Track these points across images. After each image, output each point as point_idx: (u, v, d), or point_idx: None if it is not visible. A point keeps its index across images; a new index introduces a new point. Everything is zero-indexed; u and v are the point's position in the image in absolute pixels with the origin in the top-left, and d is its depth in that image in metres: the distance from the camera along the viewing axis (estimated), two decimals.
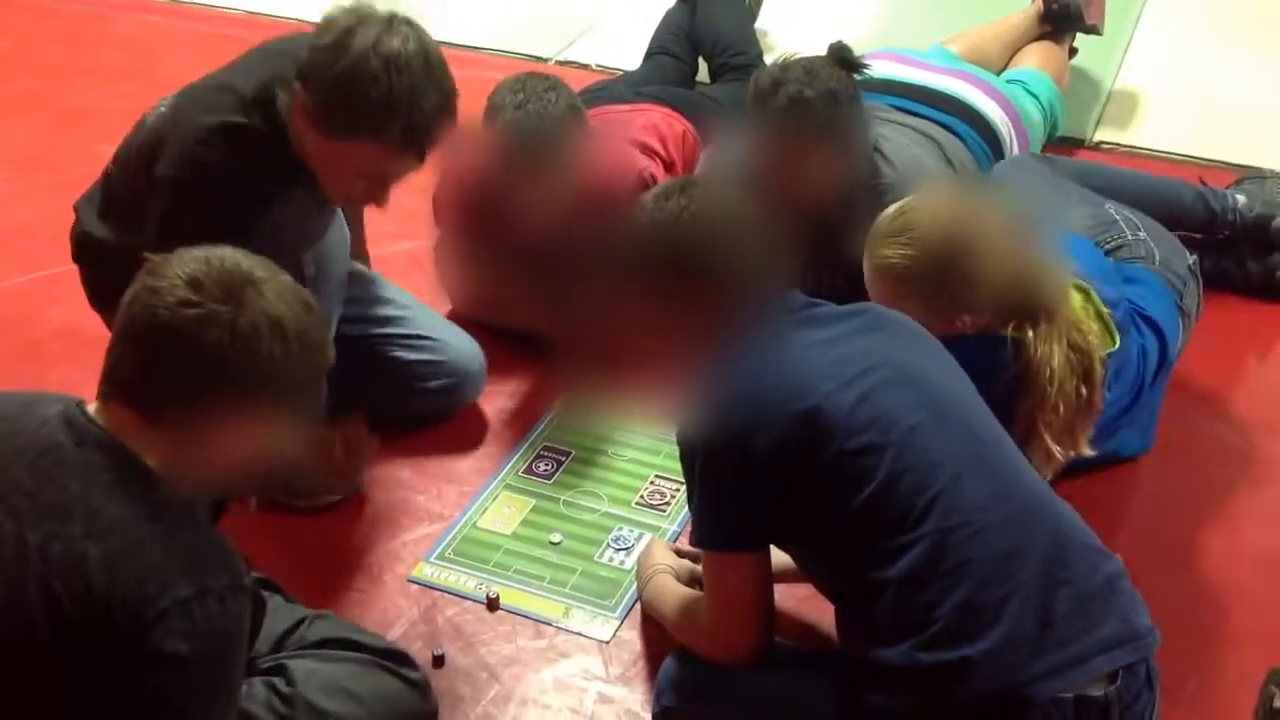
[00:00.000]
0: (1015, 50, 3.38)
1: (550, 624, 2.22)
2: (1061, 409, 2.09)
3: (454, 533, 2.39)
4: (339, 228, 2.46)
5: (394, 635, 2.17)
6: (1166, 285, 2.45)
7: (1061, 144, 3.33)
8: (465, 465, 2.55)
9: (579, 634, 2.20)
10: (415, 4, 4.12)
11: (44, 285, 2.98)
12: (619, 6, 4.14)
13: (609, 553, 2.35)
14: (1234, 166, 3.21)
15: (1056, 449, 2.09)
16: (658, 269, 1.86)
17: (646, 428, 2.60)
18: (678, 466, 1.88)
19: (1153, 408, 2.45)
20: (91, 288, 2.44)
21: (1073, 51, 3.52)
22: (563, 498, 2.47)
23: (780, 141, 2.55)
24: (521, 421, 2.64)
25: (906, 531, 1.69)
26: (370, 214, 2.65)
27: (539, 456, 2.56)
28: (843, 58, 2.59)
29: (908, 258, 2.11)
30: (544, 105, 2.55)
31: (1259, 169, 3.10)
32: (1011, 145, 2.98)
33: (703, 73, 3.55)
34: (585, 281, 2.53)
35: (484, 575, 2.30)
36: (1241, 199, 2.90)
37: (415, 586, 2.29)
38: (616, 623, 2.21)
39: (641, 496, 2.46)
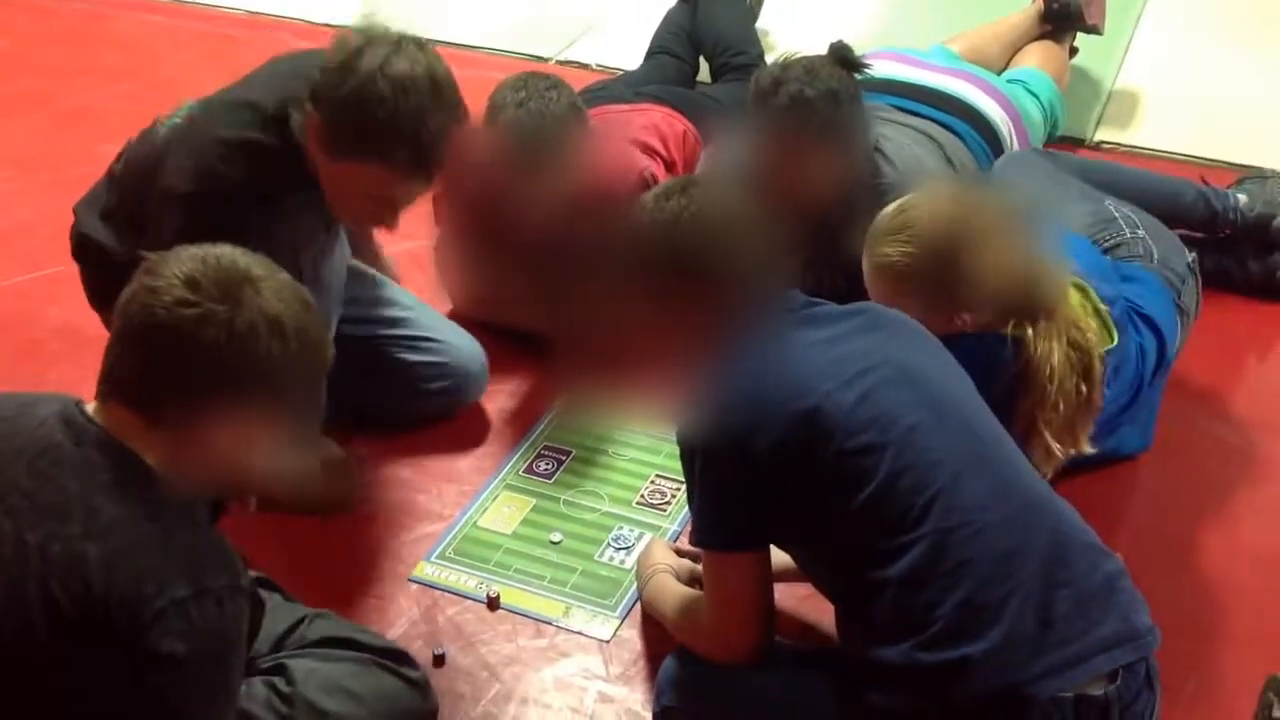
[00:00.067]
0: (1016, 50, 3.39)
1: (551, 623, 2.22)
2: (1062, 407, 2.09)
3: (454, 532, 2.39)
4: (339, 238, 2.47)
5: (394, 634, 2.17)
6: (1165, 283, 2.45)
7: (1062, 143, 3.33)
8: (466, 464, 2.55)
9: (579, 633, 2.20)
10: (416, 4, 4.14)
11: (44, 284, 2.98)
12: (619, 6, 4.13)
13: (609, 552, 2.35)
14: (1234, 166, 3.21)
15: (1057, 447, 2.09)
16: (658, 269, 1.86)
17: (647, 427, 2.60)
18: (678, 466, 1.88)
19: (1152, 406, 2.45)
20: (91, 286, 2.44)
21: (1073, 51, 3.52)
22: (563, 497, 2.47)
23: (781, 141, 2.55)
24: (522, 421, 2.64)
25: (906, 531, 1.69)
26: None
27: (539, 456, 2.56)
28: (843, 57, 2.59)
29: (907, 255, 2.11)
30: (545, 104, 2.55)
31: (1260, 168, 3.10)
32: (1012, 145, 2.98)
33: (704, 73, 3.55)
34: (586, 281, 2.53)
35: (484, 574, 2.30)
36: (1243, 198, 2.90)
37: (416, 586, 2.29)
38: (617, 622, 2.21)
39: (642, 496, 2.46)
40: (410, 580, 2.30)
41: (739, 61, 3.42)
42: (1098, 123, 3.53)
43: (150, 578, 1.46)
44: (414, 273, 2.93)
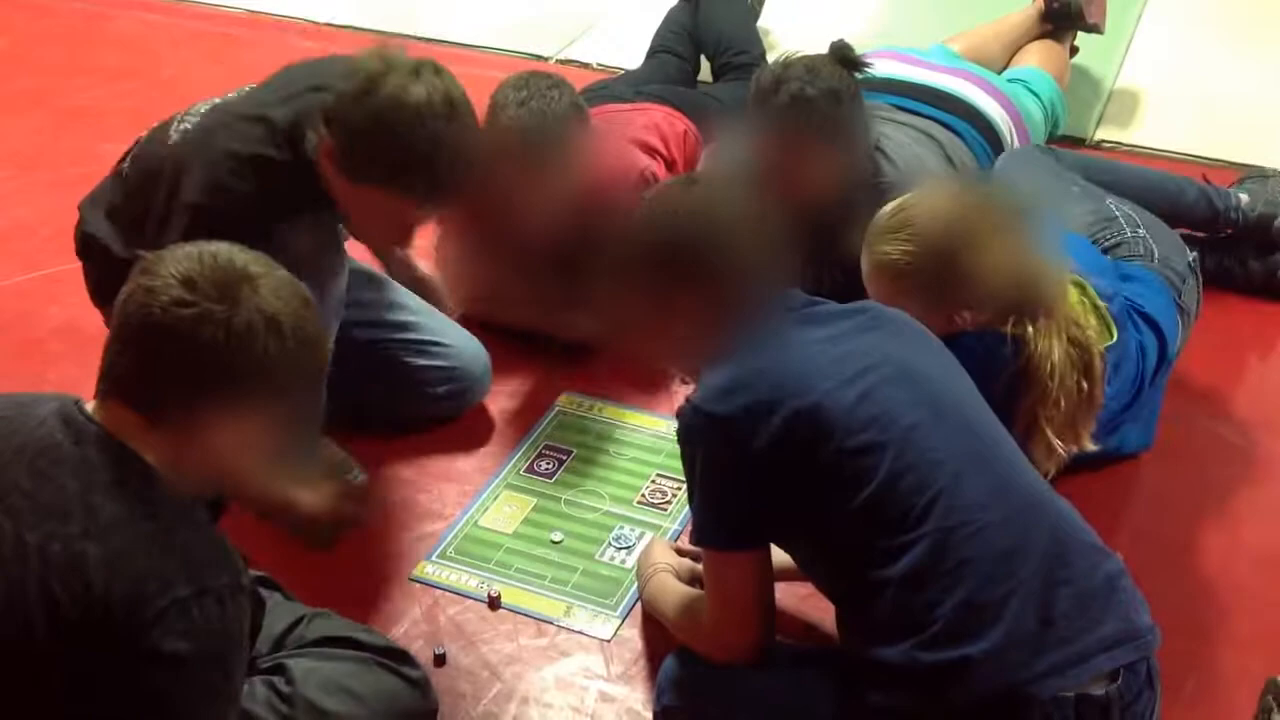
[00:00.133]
0: (1016, 49, 3.38)
1: (551, 622, 2.22)
2: (1063, 404, 2.09)
3: (455, 532, 2.39)
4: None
5: (395, 634, 2.17)
6: (1165, 283, 2.45)
7: (1062, 142, 3.32)
8: (467, 464, 2.55)
9: (580, 632, 2.20)
10: (416, 3, 4.14)
11: (44, 284, 2.98)
12: (620, 5, 4.13)
13: (610, 551, 2.34)
14: (1235, 165, 3.20)
15: (1059, 444, 2.09)
16: (658, 266, 1.86)
17: (647, 426, 2.60)
18: (679, 465, 1.88)
19: (1154, 405, 2.45)
20: (94, 284, 2.43)
21: (1074, 50, 3.52)
22: (564, 496, 2.46)
23: (782, 140, 2.55)
24: (523, 420, 2.64)
25: (907, 530, 1.69)
26: None
27: (540, 455, 2.55)
28: (844, 56, 2.59)
29: (906, 254, 2.11)
30: (547, 103, 2.55)
31: (1260, 167, 3.09)
32: (1012, 144, 2.98)
33: (705, 72, 3.55)
34: (590, 281, 2.53)
35: (485, 574, 2.30)
36: (1244, 197, 2.90)
37: (417, 585, 2.29)
38: (618, 621, 2.21)
39: (643, 495, 2.46)
40: (411, 580, 2.30)
41: (740, 61, 3.42)
42: (1098, 122, 3.53)
43: (151, 577, 1.46)
44: None
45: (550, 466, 2.53)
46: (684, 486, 2.05)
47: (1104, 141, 3.47)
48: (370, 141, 2.06)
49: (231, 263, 1.56)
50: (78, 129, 3.59)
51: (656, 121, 2.88)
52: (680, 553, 2.20)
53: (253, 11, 4.26)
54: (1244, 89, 3.63)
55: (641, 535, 2.36)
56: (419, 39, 3.76)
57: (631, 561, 2.29)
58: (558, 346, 2.77)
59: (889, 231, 2.14)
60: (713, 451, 1.78)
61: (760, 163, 2.57)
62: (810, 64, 2.54)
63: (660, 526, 2.39)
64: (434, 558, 2.34)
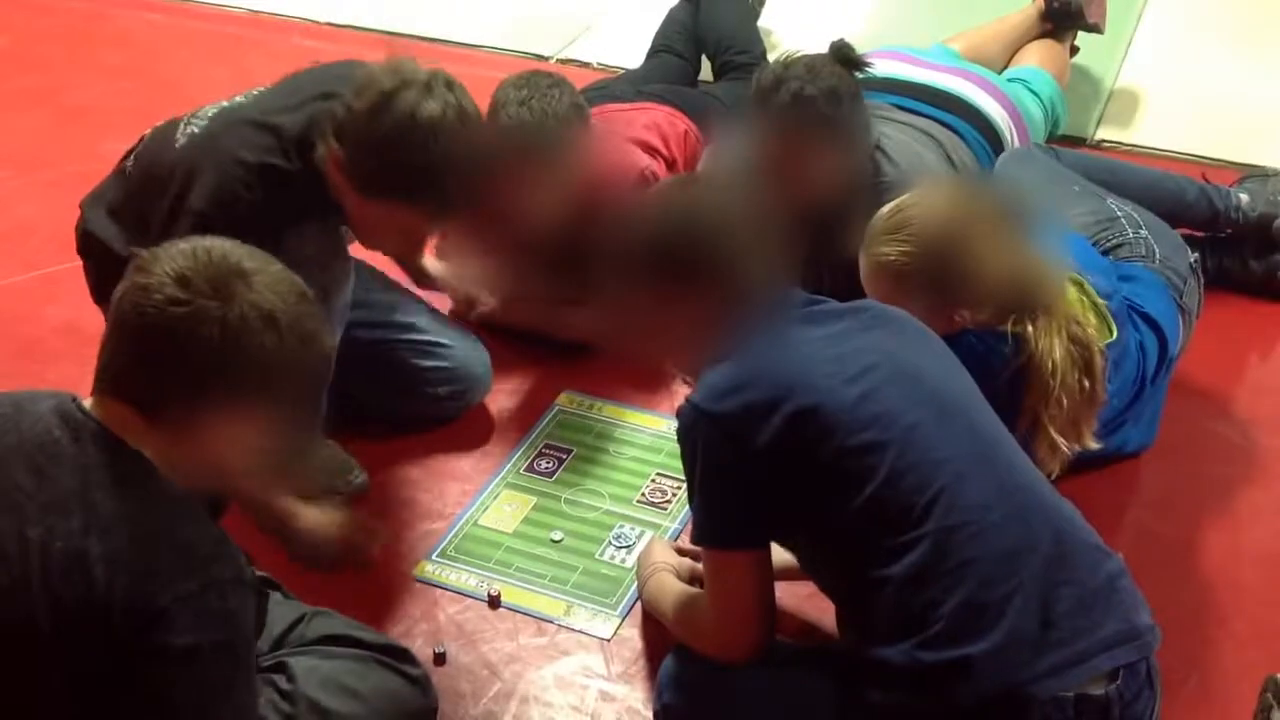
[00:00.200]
0: (1016, 49, 3.38)
1: (551, 621, 2.22)
2: (1065, 402, 2.09)
3: (456, 531, 2.39)
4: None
5: (396, 633, 2.17)
6: (1166, 283, 2.45)
7: (1063, 142, 3.31)
8: (467, 463, 2.55)
9: (580, 631, 2.20)
10: (417, 2, 4.13)
11: (44, 283, 2.98)
12: (620, 5, 4.13)
13: (610, 550, 2.34)
14: (1235, 165, 3.20)
15: (1062, 442, 2.10)
16: (658, 265, 1.86)
17: (647, 425, 2.60)
18: (679, 464, 1.88)
19: (1156, 405, 2.45)
20: (95, 282, 2.43)
21: (1074, 50, 3.52)
22: (564, 496, 2.47)
23: (782, 139, 2.55)
24: (523, 420, 2.64)
25: (908, 530, 1.69)
26: None
27: (540, 454, 2.55)
28: (845, 56, 2.59)
29: (905, 254, 2.11)
30: (548, 102, 2.55)
31: (1261, 167, 3.09)
32: (1012, 143, 2.98)
33: (706, 71, 3.55)
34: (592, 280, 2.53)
35: (486, 573, 2.30)
36: (1245, 197, 2.89)
37: (417, 584, 2.29)
38: (618, 620, 2.21)
39: (643, 494, 2.46)
40: (412, 578, 2.30)
41: (741, 60, 3.42)
42: (1098, 121, 3.53)
43: (154, 573, 1.46)
44: None
45: (550, 465, 2.53)
46: (684, 486, 2.06)
47: (1104, 141, 3.47)
48: (383, 158, 2.06)
49: (226, 259, 1.55)
50: (78, 128, 3.58)
51: (657, 121, 2.88)
52: (680, 552, 2.20)
53: (254, 10, 4.25)
54: (1244, 89, 3.62)
55: (641, 534, 2.36)
56: (419, 38, 3.76)
57: (631, 561, 2.29)
58: (558, 346, 2.77)
59: (887, 232, 2.14)
60: (713, 451, 1.78)
61: (761, 162, 2.57)
62: (811, 64, 2.54)
63: (660, 526, 2.39)
64: (434, 557, 2.34)
